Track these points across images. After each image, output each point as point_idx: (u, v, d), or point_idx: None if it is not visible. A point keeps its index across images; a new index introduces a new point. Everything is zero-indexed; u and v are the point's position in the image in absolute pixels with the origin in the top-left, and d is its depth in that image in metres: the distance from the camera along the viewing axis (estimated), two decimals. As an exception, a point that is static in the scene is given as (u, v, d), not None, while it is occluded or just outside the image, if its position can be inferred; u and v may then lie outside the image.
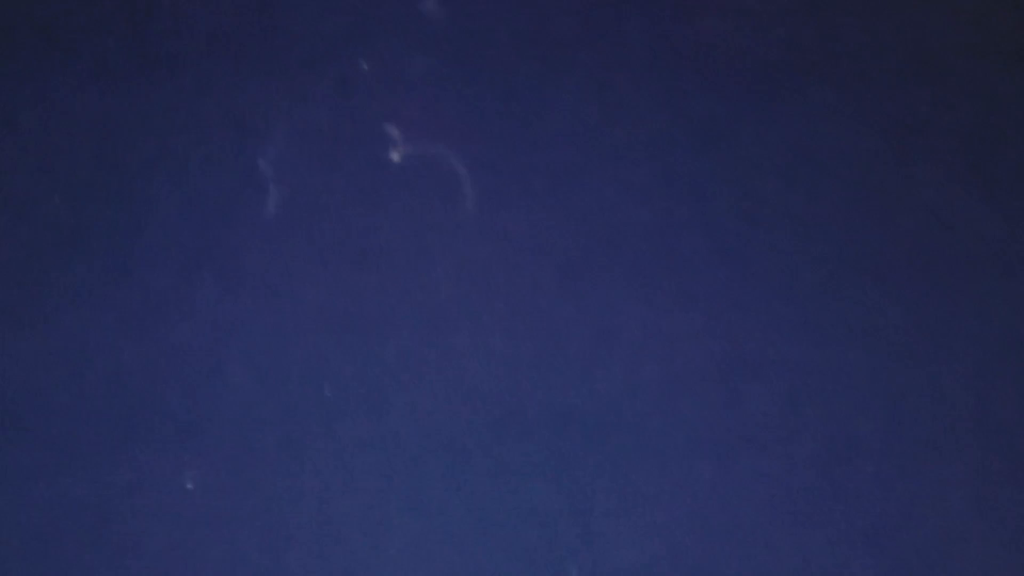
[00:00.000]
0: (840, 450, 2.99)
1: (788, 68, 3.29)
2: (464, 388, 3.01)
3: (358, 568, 2.89)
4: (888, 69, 3.29)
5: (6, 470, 2.90)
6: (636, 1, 3.33)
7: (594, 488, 2.95)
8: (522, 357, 3.04)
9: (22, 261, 3.07)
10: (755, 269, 3.13)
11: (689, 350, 3.06)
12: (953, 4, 3.35)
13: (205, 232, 3.10)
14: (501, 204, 3.16)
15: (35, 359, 3.00)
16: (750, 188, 3.19)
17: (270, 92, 3.21)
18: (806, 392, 3.03)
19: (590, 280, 3.11)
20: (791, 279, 3.12)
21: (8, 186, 3.13)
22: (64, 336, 3.02)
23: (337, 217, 3.14)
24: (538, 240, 3.14)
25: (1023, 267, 3.13)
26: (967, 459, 2.99)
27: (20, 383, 2.97)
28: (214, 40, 3.25)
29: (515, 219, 3.15)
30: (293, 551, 2.88)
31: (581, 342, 3.06)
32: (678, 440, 2.99)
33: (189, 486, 2.88)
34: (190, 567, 2.85)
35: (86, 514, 2.88)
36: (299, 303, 3.06)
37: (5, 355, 3.00)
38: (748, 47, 3.30)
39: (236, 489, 2.90)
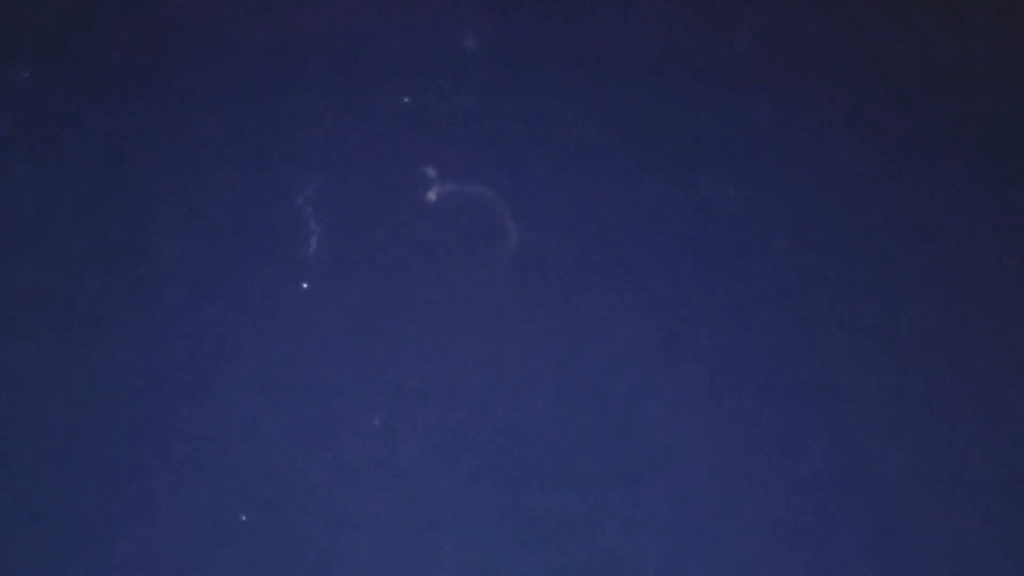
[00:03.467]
0: (849, 459, 3.03)
1: (799, 80, 3.31)
2: (484, 401, 3.08)
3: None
4: (896, 79, 3.31)
5: (51, 503, 2.98)
6: (664, 31, 3.36)
7: (604, 497, 3.00)
8: (549, 377, 3.10)
9: (77, 296, 3.12)
10: (765, 281, 3.17)
11: (700, 360, 3.11)
12: (961, 15, 3.36)
13: (246, 269, 3.15)
14: (543, 239, 3.21)
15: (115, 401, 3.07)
16: (761, 200, 3.23)
17: (310, 129, 3.25)
18: (815, 401, 3.07)
19: (605, 295, 3.16)
20: (802, 290, 3.16)
21: (49, 217, 3.18)
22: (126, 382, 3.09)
23: (378, 251, 3.19)
24: (572, 265, 3.19)
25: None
26: (978, 465, 3.04)
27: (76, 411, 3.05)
28: (255, 78, 3.27)
29: (556, 253, 3.20)
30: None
31: (587, 338, 3.11)
32: (688, 448, 3.04)
33: (243, 517, 2.96)
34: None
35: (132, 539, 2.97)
36: (340, 337, 3.11)
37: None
38: (758, 60, 3.33)
39: (285, 517, 2.99)
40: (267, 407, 3.05)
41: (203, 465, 3.00)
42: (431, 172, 3.21)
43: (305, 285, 3.14)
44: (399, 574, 2.97)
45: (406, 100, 3.25)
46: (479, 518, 3.00)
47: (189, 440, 3.02)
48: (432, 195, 3.20)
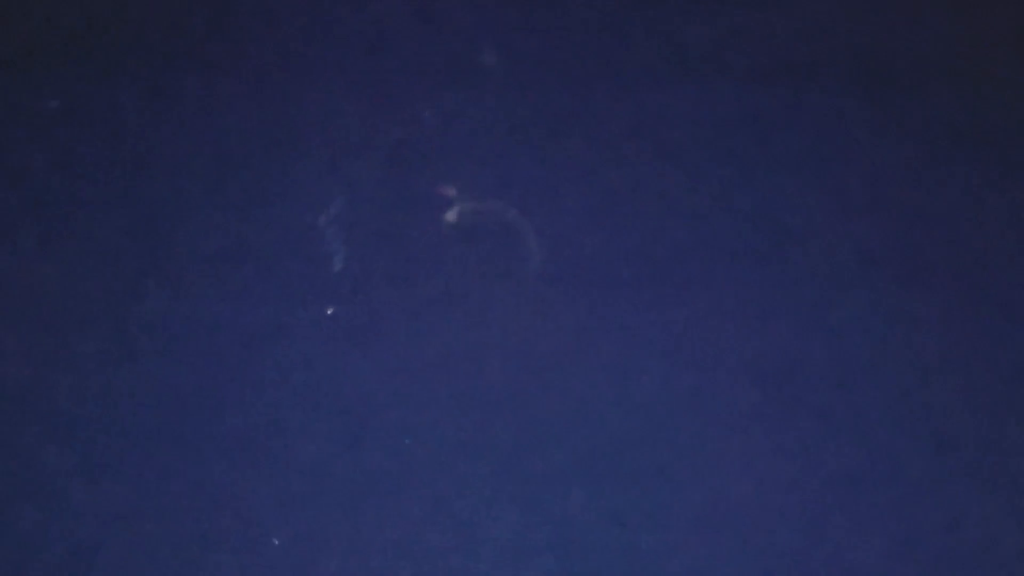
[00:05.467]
0: (877, 458, 3.01)
1: (817, 73, 3.31)
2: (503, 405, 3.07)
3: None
4: (917, 72, 3.31)
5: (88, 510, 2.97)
6: (685, 42, 3.37)
7: (627, 496, 2.99)
8: (576, 393, 3.09)
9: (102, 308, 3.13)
10: (788, 277, 3.16)
11: (721, 358, 3.10)
12: (983, 6, 3.37)
13: (266, 292, 3.14)
14: (566, 257, 3.21)
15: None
16: (782, 195, 3.22)
17: (329, 148, 3.25)
18: (840, 400, 3.06)
19: (625, 289, 3.16)
20: (825, 287, 3.15)
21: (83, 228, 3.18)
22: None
23: (400, 269, 3.18)
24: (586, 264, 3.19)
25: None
26: (999, 471, 3.01)
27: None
28: (272, 96, 3.27)
29: (580, 271, 3.19)
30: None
31: (614, 350, 3.10)
32: (711, 447, 3.03)
33: (276, 542, 2.94)
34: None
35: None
36: (361, 358, 3.11)
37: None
38: (775, 54, 3.33)
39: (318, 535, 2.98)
40: (296, 428, 3.05)
41: (233, 490, 2.99)
42: (452, 191, 3.21)
43: (330, 311, 3.13)
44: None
45: (427, 115, 3.25)
46: (510, 534, 2.98)
47: (216, 465, 3.01)
48: (453, 214, 3.20)
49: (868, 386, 3.07)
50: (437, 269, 3.19)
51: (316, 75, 3.28)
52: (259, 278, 3.15)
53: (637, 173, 3.27)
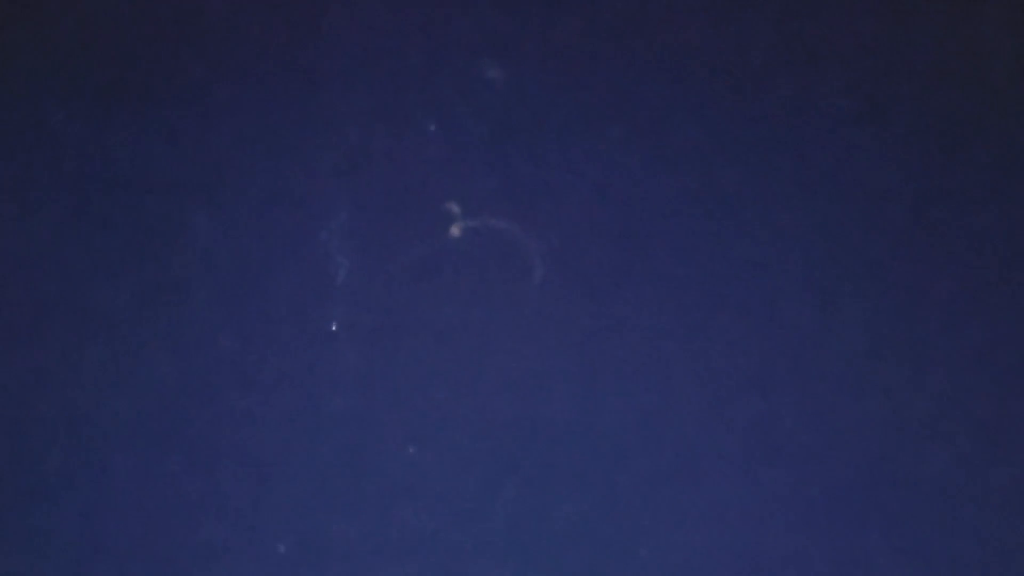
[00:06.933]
0: (878, 462, 3.02)
1: (816, 73, 3.30)
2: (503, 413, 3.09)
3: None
4: (915, 76, 3.29)
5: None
6: (690, 60, 3.37)
7: (629, 502, 3.01)
8: (578, 408, 3.10)
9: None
10: (790, 280, 3.16)
11: (722, 363, 3.11)
12: (978, 11, 3.35)
13: (269, 305, 3.15)
14: (568, 273, 3.22)
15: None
16: (783, 198, 3.22)
17: (332, 162, 3.25)
18: (837, 407, 3.06)
19: (627, 300, 3.17)
20: (826, 289, 3.15)
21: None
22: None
23: (404, 285, 3.20)
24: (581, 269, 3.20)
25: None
26: (1002, 472, 3.02)
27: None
28: (277, 109, 3.28)
29: (582, 288, 3.21)
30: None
31: (616, 360, 3.12)
32: (712, 452, 3.04)
33: (281, 549, 2.95)
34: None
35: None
36: (364, 370, 3.13)
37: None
38: (775, 55, 3.32)
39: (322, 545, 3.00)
40: (299, 438, 3.07)
41: (236, 497, 3.01)
42: (455, 205, 3.22)
43: (333, 327, 3.14)
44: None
45: (432, 128, 3.27)
46: (513, 538, 3.00)
47: (219, 473, 3.03)
48: (457, 228, 3.21)
49: (870, 388, 3.08)
50: (440, 282, 3.20)
51: (319, 88, 3.29)
52: (262, 290, 3.16)
53: (641, 185, 3.27)
